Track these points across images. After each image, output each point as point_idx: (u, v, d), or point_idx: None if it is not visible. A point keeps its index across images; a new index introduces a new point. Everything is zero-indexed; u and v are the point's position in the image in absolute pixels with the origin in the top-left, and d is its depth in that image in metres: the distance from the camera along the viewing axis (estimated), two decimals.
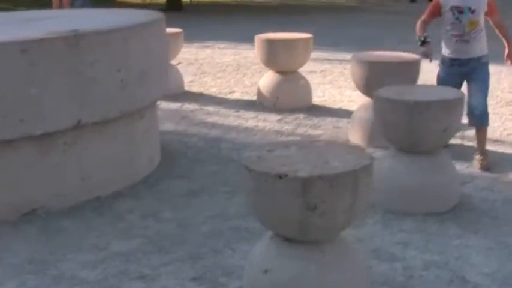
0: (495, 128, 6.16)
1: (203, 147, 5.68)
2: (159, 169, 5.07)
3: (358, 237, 3.98)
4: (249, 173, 2.93)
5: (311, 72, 8.96)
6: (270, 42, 6.79)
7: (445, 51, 5.26)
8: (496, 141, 5.81)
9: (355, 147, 3.15)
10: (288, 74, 6.91)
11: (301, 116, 6.64)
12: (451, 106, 4.07)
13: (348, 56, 9.90)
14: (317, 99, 7.43)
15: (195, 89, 8.08)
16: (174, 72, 7.74)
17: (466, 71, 5.13)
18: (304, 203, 2.81)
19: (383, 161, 4.40)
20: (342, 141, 3.19)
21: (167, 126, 6.40)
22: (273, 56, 6.81)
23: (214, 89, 8.03)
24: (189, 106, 7.16)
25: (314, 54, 10.23)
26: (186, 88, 8.08)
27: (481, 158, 5.10)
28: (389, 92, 4.28)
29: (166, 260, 3.75)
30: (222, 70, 9.25)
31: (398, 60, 5.50)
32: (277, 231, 3.04)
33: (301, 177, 2.80)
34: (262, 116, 6.69)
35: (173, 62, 7.92)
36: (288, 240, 3.01)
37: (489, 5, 5.07)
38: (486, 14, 5.08)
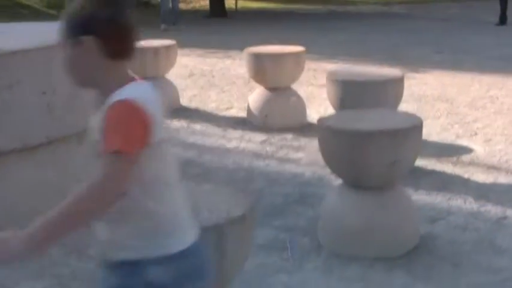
0: (495, 151, 5.58)
1: None
2: None
3: (289, 285, 3.51)
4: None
5: (323, 85, 8.46)
6: (257, 57, 6.36)
7: None
8: (491, 167, 5.23)
9: (243, 193, 2.69)
10: (279, 90, 6.45)
11: (289, 136, 6.17)
12: (400, 136, 3.57)
13: (368, 67, 9.42)
14: (316, 116, 6.93)
15: (194, 104, 7.69)
16: (167, 87, 7.37)
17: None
18: None
19: (329, 196, 3.92)
20: (231, 188, 2.73)
21: None
22: (262, 71, 6.37)
23: (213, 105, 7.62)
24: (177, 124, 6.77)
25: (337, 66, 9.78)
26: (185, 103, 7.70)
27: None
28: (334, 118, 3.80)
29: None
30: (231, 83, 8.84)
31: (375, 79, 4.98)
32: None
33: None
34: (248, 135, 6.25)
35: (167, 75, 7.55)
36: None
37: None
38: None
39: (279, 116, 6.37)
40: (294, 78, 6.46)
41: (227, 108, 7.44)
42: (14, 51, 3.90)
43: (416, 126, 3.65)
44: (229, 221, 2.42)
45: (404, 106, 7.02)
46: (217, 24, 17.53)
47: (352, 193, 3.76)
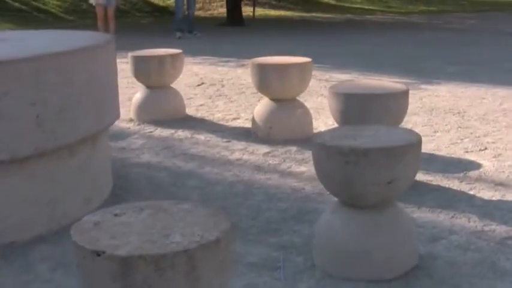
0: (504, 167, 5.41)
1: (165, 184, 5.16)
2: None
3: None
4: (72, 244, 2.41)
5: None
6: (261, 68, 6.23)
7: None
8: (499, 183, 5.06)
9: (221, 214, 2.56)
10: (284, 102, 6.31)
11: (294, 148, 6.02)
12: (397, 154, 3.41)
13: (373, 80, 9.26)
14: (324, 128, 6.79)
15: (200, 114, 7.57)
16: (172, 96, 7.27)
17: None
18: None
19: (324, 214, 3.78)
20: (213, 207, 2.60)
21: (144, 157, 5.92)
22: (266, 82, 6.24)
23: (219, 115, 7.50)
24: (181, 134, 6.66)
25: (349, 77, 9.65)
26: (192, 113, 7.59)
27: None
28: (328, 135, 3.65)
29: None
30: (240, 92, 8.72)
31: (378, 92, 4.83)
32: None
33: (119, 256, 2.25)
34: (252, 147, 6.11)
35: (173, 84, 7.43)
36: None
37: None
38: None
39: (283, 128, 6.23)
40: (300, 89, 6.32)
41: (233, 119, 7.32)
42: (1, 62, 3.81)
43: (415, 143, 3.50)
44: (202, 245, 2.29)
45: (414, 119, 6.89)
46: (234, 32, 17.45)
47: (347, 212, 3.61)
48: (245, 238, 4.16)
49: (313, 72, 9.92)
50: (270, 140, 6.26)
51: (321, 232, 3.69)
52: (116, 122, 6.98)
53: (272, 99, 6.36)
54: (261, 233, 4.23)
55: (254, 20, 20.42)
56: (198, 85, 9.33)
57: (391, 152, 3.39)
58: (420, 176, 5.21)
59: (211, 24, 19.78)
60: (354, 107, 4.77)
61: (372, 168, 3.38)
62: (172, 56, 7.02)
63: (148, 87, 7.13)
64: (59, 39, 4.90)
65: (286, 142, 6.19)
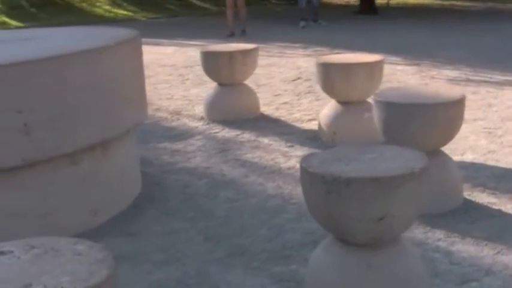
0: None
1: (197, 195, 4.81)
2: (108, 224, 4.28)
3: None
4: None
5: None
6: (326, 67, 5.73)
7: None
8: None
9: (107, 262, 2.17)
10: (350, 105, 5.77)
11: None
12: (388, 186, 2.87)
13: (494, 75, 8.46)
14: None
15: (278, 113, 7.15)
16: (244, 93, 6.90)
17: None
18: None
19: (316, 250, 3.29)
20: (108, 250, 2.23)
21: (193, 161, 5.60)
22: (330, 83, 5.74)
23: (297, 115, 7.05)
24: (245, 136, 6.27)
25: (458, 73, 8.88)
26: (270, 111, 7.19)
27: None
28: (318, 157, 3.15)
29: None
30: None
31: (425, 101, 4.21)
32: None
33: None
34: None
35: (247, 81, 7.05)
36: None
37: None
38: None
39: (348, 133, 5.69)
40: (368, 91, 5.74)
41: (309, 120, 6.84)
42: None
43: (413, 173, 2.93)
44: None
45: (508, 125, 6.17)
46: (363, 21, 16.78)
47: (339, 249, 3.11)
48: (249, 265, 3.74)
49: (421, 68, 9.29)
50: (333, 146, 5.74)
51: (311, 270, 3.21)
52: (187, 121, 6.76)
53: (339, 102, 5.84)
54: (269, 260, 3.79)
55: (389, 8, 19.60)
56: (293, 80, 8.89)
57: (380, 183, 2.85)
58: (483, 198, 4.57)
59: (344, 12, 19.19)
60: (396, 118, 4.21)
61: (357, 201, 2.87)
62: (242, 52, 6.64)
63: (219, 84, 6.80)
64: (87, 38, 4.65)
65: None
